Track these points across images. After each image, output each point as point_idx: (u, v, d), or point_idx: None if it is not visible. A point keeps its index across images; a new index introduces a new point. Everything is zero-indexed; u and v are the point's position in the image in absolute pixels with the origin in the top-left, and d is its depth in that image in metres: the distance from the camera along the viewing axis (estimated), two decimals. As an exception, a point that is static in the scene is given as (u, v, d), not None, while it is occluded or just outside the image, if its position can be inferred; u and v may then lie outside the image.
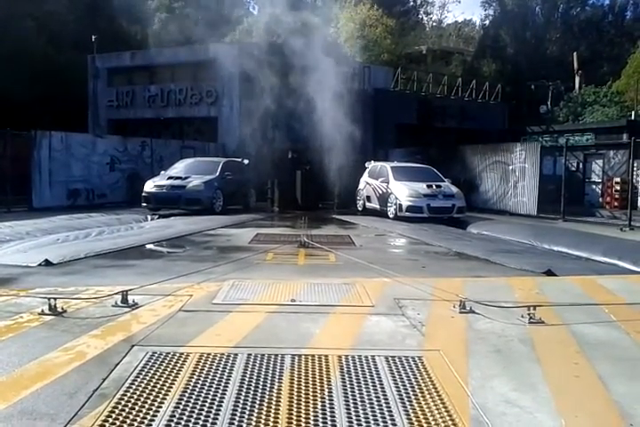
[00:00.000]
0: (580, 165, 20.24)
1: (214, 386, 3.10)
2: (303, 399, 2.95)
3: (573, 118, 30.86)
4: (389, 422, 2.74)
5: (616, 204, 18.07)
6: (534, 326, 4.31)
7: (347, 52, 35.89)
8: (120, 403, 2.86)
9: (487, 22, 44.41)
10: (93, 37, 26.15)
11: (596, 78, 34.17)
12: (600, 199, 19.32)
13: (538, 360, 3.58)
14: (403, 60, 37.73)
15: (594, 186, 19.86)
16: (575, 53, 34.70)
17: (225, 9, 35.18)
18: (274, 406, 2.87)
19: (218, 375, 3.24)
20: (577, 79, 33.93)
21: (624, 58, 34.42)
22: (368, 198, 16.17)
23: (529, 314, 4.41)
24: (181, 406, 2.84)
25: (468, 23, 54.09)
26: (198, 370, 3.31)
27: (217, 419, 2.72)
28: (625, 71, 32.98)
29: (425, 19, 49.99)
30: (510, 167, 17.11)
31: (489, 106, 27.94)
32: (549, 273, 6.78)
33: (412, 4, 45.86)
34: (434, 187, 14.24)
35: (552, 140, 24.26)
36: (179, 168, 15.61)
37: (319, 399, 2.96)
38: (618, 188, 18.28)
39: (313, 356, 3.55)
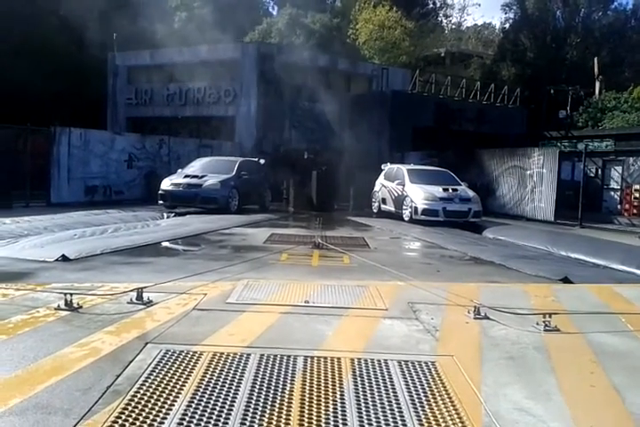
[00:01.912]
0: (599, 172, 20.03)
1: (227, 386, 3.11)
2: (315, 402, 2.95)
3: (593, 124, 30.50)
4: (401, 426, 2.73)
5: (635, 211, 17.85)
6: (550, 333, 4.27)
7: (365, 54, 35.90)
8: (133, 400, 2.88)
9: (507, 26, 43.97)
10: (114, 35, 26.37)
11: (617, 84, 33.76)
12: (618, 206, 19.09)
13: (552, 369, 3.55)
14: (421, 63, 37.59)
15: (612, 193, 19.63)
16: (596, 58, 34.33)
17: (244, 9, 35.33)
18: (285, 408, 2.87)
19: (230, 375, 3.25)
20: (597, 84, 33.56)
21: (646, 63, 34.04)
22: (383, 201, 16.13)
23: (544, 322, 4.37)
24: (194, 405, 2.86)
25: (487, 26, 53.81)
26: (211, 369, 3.32)
27: (229, 419, 2.73)
28: (647, 77, 32.61)
29: (444, 21, 49.79)
30: (528, 172, 16.99)
31: (507, 110, 27.73)
32: (566, 280, 6.71)
33: (431, 6, 45.65)
34: (450, 190, 14.16)
35: (571, 145, 24.01)
36: (195, 167, 15.67)
37: (331, 402, 2.96)
38: (637, 195, 18.05)
39: (325, 358, 3.55)
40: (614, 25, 40.28)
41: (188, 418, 2.72)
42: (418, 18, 40.39)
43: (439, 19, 48.03)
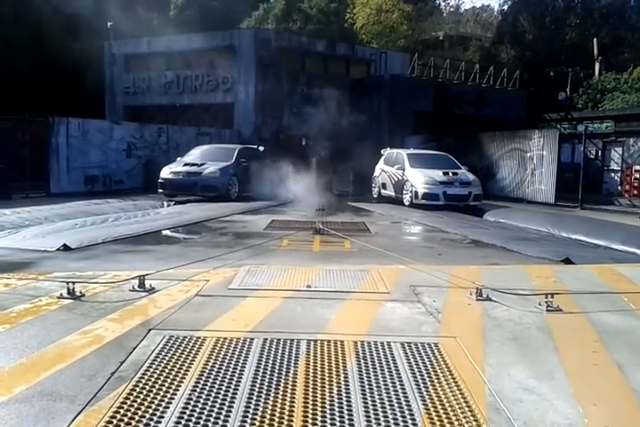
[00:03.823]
0: (599, 153, 19.96)
1: (230, 370, 3.12)
2: (319, 385, 2.96)
3: (592, 105, 30.29)
4: (405, 407, 2.74)
5: (635, 192, 17.83)
6: (552, 313, 4.28)
7: (363, 39, 35.62)
8: (138, 386, 2.89)
9: (506, 8, 43.44)
10: (109, 24, 26.15)
11: (617, 65, 33.49)
12: (619, 187, 19.07)
13: (555, 348, 3.56)
14: (419, 46, 37.29)
15: (612, 174, 19.60)
16: (595, 39, 34.03)
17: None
18: (290, 391, 2.88)
19: (234, 360, 3.26)
20: (597, 65, 33.31)
21: (646, 44, 33.75)
22: (383, 186, 16.09)
23: (546, 302, 4.38)
24: (198, 390, 2.87)
25: (486, 9, 53.28)
26: (215, 354, 3.33)
27: (233, 403, 2.74)
28: (647, 57, 32.33)
29: (442, 4, 49.31)
30: (528, 155, 16.93)
31: (507, 92, 27.54)
32: (567, 261, 6.71)
33: (429, -11, 45.19)
34: (450, 174, 14.13)
35: (570, 127, 23.89)
36: (195, 155, 15.63)
37: (335, 385, 2.97)
38: (637, 176, 18.01)
39: (329, 341, 3.56)
40: (614, 5, 39.84)
41: (192, 402, 2.73)
42: (416, 1, 39.97)
43: (437, 2, 47.60)
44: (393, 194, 15.31)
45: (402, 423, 2.59)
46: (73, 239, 7.36)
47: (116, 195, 14.79)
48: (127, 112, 26.44)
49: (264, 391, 2.87)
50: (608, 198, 17.39)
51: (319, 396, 2.83)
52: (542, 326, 3.99)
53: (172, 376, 3.02)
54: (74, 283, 4.49)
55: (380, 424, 2.58)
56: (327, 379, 3.03)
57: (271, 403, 2.74)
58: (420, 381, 3.04)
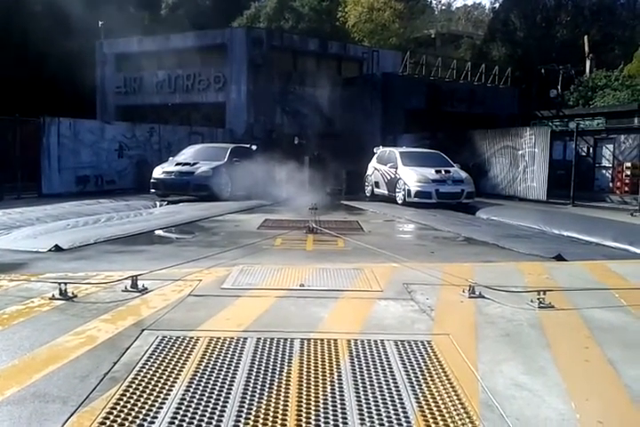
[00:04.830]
0: (591, 150, 20.02)
1: (224, 370, 3.11)
2: (312, 383, 2.96)
3: (584, 102, 30.39)
4: (399, 405, 2.75)
5: (626, 189, 17.87)
6: (544, 310, 4.30)
7: (355, 37, 35.62)
8: (131, 386, 2.88)
9: (497, 5, 43.69)
10: (100, 23, 26.04)
11: (608, 62, 33.64)
12: (610, 184, 19.13)
13: (548, 345, 3.57)
14: (411, 45, 37.34)
15: (604, 171, 19.65)
16: (586, 37, 34.15)
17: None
18: (283, 390, 2.88)
19: (228, 359, 3.26)
20: (588, 63, 33.44)
21: (636, 41, 33.86)
22: (376, 184, 16.11)
23: (539, 299, 4.40)
24: (192, 390, 2.86)
25: (477, 6, 53.52)
26: (208, 354, 3.32)
27: (227, 402, 2.74)
28: (637, 54, 32.43)
29: (434, 2, 49.52)
30: (520, 152, 16.98)
31: (498, 90, 27.62)
32: (559, 258, 6.75)
33: (420, -13, 45.23)
34: (443, 172, 14.16)
35: (562, 124, 23.97)
36: (187, 154, 15.58)
37: (328, 383, 2.97)
38: (628, 173, 18.06)
39: (322, 340, 3.56)
40: (604, 2, 40.01)
41: (186, 402, 2.73)
42: (407, -1, 40.04)
43: (428, 0, 47.68)
44: (386, 192, 15.33)
45: (395, 421, 2.60)
46: (65, 240, 7.32)
47: (108, 195, 14.72)
48: (119, 112, 26.35)
49: (258, 391, 2.86)
50: (599, 195, 17.45)
51: (313, 395, 2.83)
52: (535, 322, 4.01)
53: (165, 376, 3.01)
54: (66, 284, 4.47)
55: (373, 422, 2.58)
56: (321, 378, 3.03)
57: (265, 402, 2.74)
58: (414, 378, 3.05)
